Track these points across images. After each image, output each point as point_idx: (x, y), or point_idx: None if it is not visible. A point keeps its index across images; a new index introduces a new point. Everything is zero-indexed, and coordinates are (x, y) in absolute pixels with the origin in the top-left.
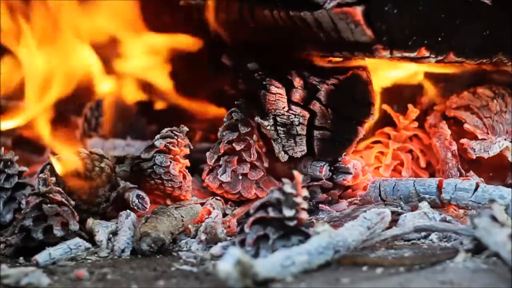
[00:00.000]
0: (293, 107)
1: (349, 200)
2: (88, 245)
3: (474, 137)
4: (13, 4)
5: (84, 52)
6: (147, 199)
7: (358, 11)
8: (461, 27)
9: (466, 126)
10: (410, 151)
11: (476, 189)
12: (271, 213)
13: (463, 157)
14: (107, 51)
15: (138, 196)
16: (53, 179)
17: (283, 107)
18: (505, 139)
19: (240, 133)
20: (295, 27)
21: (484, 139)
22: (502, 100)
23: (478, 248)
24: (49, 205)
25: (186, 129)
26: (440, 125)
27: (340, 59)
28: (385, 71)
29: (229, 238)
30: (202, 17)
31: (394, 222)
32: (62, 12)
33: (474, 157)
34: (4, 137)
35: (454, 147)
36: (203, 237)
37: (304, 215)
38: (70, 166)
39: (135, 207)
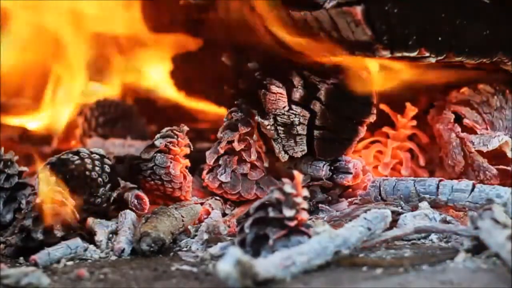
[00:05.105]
0: (293, 106)
1: (349, 200)
2: (88, 245)
3: (473, 132)
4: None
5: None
6: (146, 199)
7: (358, 11)
8: (461, 27)
9: (465, 121)
10: (410, 150)
11: (472, 189)
12: (271, 213)
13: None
14: (108, 51)
15: (137, 196)
16: (53, 179)
17: (284, 107)
18: (504, 135)
19: (240, 133)
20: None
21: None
22: (502, 96)
23: (478, 248)
24: (49, 205)
25: (186, 128)
26: (444, 111)
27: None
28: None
29: (229, 238)
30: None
31: (394, 222)
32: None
33: (473, 150)
34: (8, 134)
35: (458, 128)
36: (205, 236)
37: (304, 215)
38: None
39: (134, 208)
